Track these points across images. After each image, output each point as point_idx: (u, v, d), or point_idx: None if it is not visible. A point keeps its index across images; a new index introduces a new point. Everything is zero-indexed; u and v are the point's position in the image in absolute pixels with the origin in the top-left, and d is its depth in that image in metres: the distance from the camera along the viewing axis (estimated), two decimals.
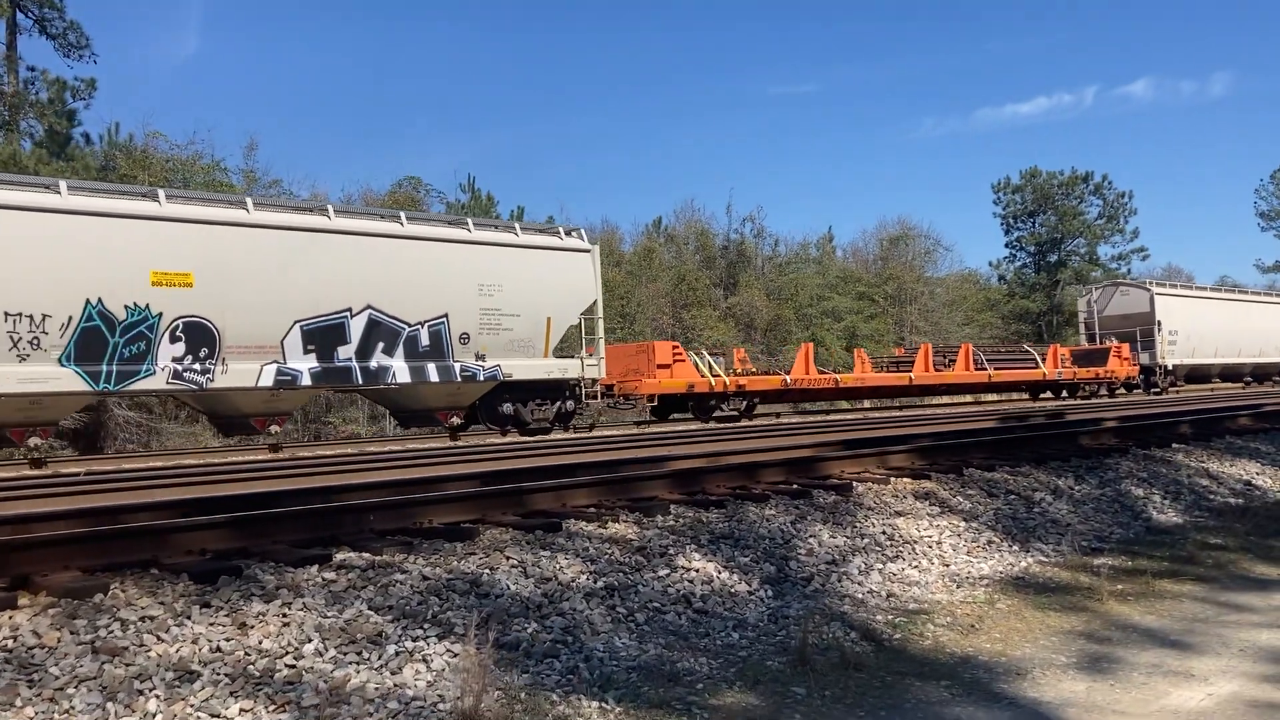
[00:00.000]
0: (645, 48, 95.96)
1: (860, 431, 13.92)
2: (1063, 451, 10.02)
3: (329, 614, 4.43)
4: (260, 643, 4.13)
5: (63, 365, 13.96)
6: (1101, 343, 34.61)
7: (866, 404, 32.01)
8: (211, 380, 15.21)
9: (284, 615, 4.35)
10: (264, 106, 72.74)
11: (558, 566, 5.31)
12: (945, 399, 32.58)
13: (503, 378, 18.35)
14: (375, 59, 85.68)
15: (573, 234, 20.08)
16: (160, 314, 14.76)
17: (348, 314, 16.57)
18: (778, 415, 25.24)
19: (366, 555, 5.16)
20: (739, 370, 23.88)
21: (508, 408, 18.70)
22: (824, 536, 6.53)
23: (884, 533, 6.83)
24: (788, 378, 24.07)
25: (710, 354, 23.49)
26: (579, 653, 4.56)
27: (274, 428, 16.36)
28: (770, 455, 8.98)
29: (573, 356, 19.62)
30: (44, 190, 14.26)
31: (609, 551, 5.66)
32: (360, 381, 16.84)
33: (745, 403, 23.42)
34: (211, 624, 4.21)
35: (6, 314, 13.57)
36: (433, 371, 17.51)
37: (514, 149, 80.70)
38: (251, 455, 15.07)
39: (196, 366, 15.09)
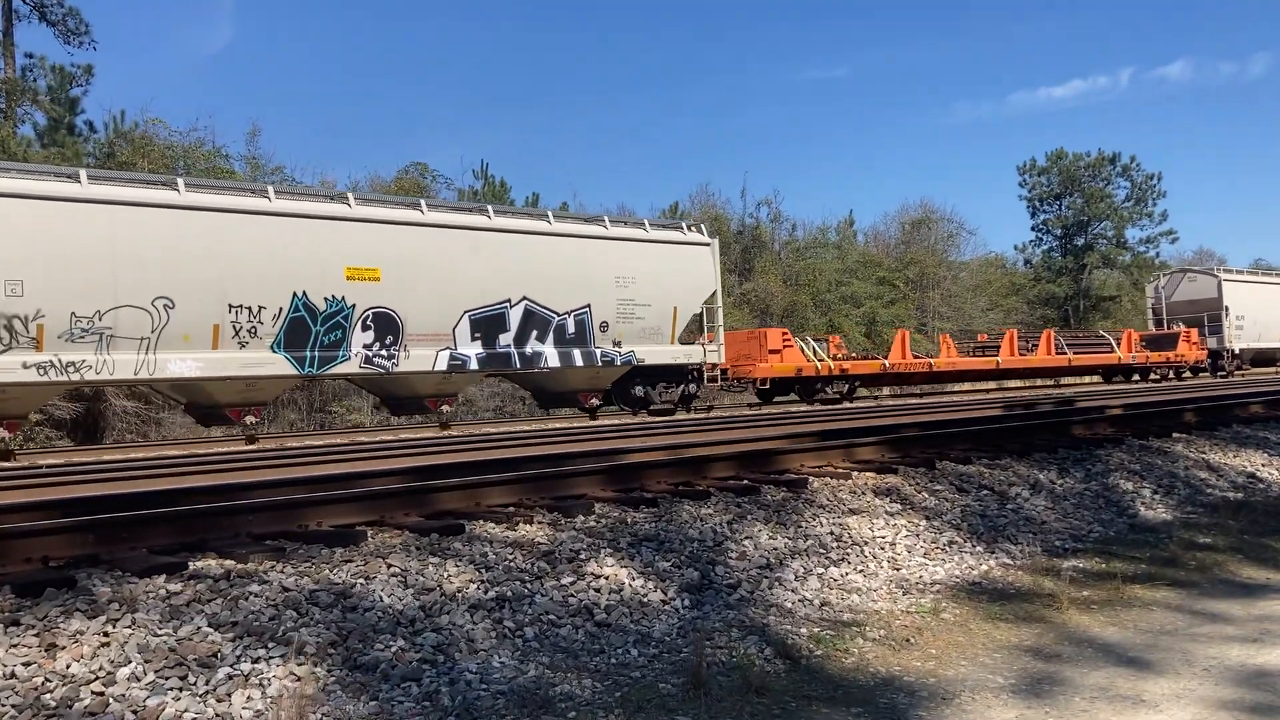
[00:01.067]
0: (670, 38, 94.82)
1: (952, 412, 13.37)
2: (1051, 442, 9.42)
3: (161, 632, 3.96)
4: (68, 667, 3.66)
5: (274, 351, 15.65)
6: (1169, 328, 35.93)
7: (959, 386, 32.62)
8: (396, 365, 16.86)
9: (105, 634, 3.88)
10: (283, 96, 72.62)
11: (445, 575, 4.82)
12: (1019, 382, 33.49)
13: (636, 362, 19.95)
14: (387, 52, 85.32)
15: (694, 229, 21.83)
16: (354, 305, 16.43)
17: (507, 304, 18.29)
18: (875, 398, 27.10)
19: (229, 563, 4.69)
20: (838, 355, 25.36)
21: (639, 390, 20.40)
22: (763, 538, 6.00)
23: (832, 533, 6.30)
24: (886, 362, 25.72)
25: (815, 340, 25.39)
26: (446, 675, 4.07)
27: (445, 407, 18.25)
28: (724, 448, 8.45)
29: (694, 343, 21.17)
30: (258, 195, 16.09)
31: (510, 557, 5.16)
32: (518, 366, 18.53)
33: (847, 386, 25.05)
34: (14, 646, 3.75)
35: (230, 305, 15.24)
36: (578, 357, 19.17)
37: (529, 138, 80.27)
38: (233, 446, 14.73)
39: (384, 352, 16.74)
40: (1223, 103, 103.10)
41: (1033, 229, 67.08)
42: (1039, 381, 33.45)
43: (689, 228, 21.74)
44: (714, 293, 21.35)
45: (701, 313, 21.26)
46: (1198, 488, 8.89)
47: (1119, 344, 32.24)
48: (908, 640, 4.91)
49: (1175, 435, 10.60)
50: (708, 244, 21.58)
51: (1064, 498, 7.92)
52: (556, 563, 5.19)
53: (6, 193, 13.58)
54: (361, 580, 4.63)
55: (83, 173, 14.65)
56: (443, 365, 17.41)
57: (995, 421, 10.63)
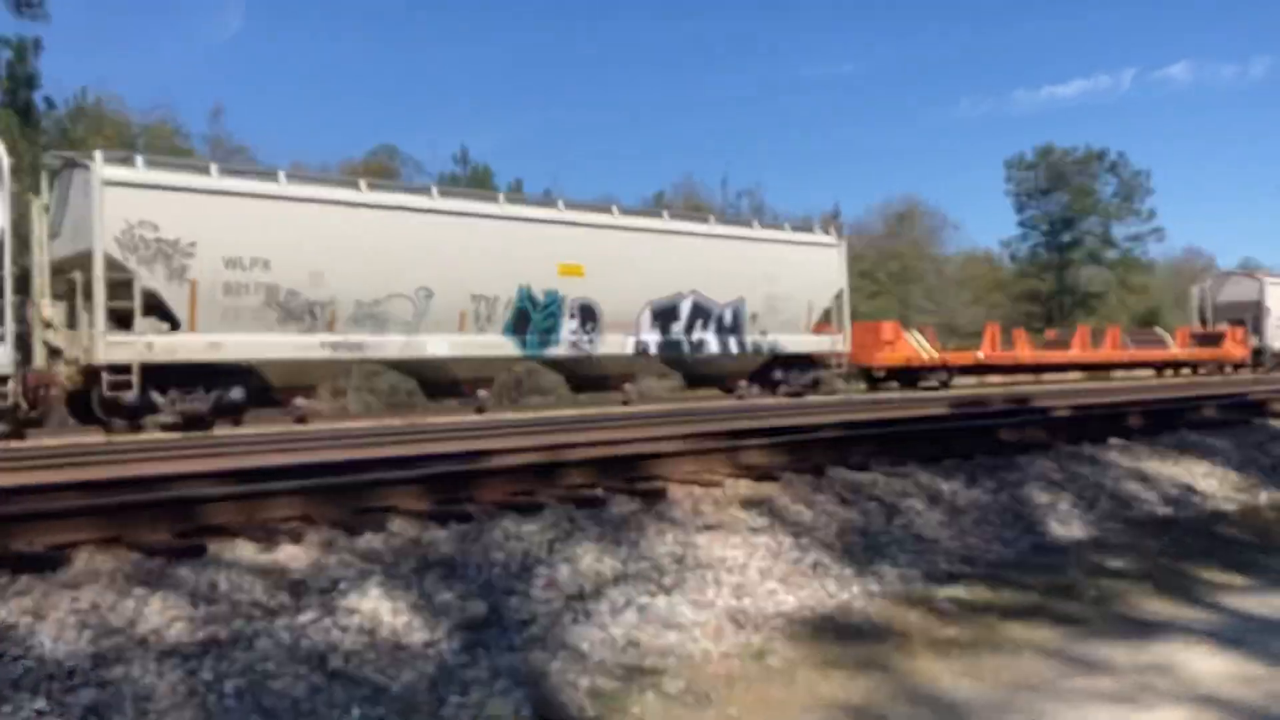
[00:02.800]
0: (668, 32, 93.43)
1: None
2: (969, 448, 8.59)
3: None
4: None
5: (504, 335, 18.40)
6: (1213, 327, 38.87)
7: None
8: (595, 348, 19.56)
9: None
10: (284, 81, 71.50)
11: (145, 612, 3.98)
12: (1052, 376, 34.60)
13: (778, 350, 22.59)
14: (370, 38, 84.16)
15: (828, 231, 24.81)
16: (564, 297, 19.07)
17: (680, 297, 20.90)
18: (973, 386, 29.04)
19: None
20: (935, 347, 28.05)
21: (779, 374, 22.82)
22: (585, 561, 5.17)
23: (674, 554, 5.47)
24: (980, 354, 28.92)
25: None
26: None
27: (628, 386, 20.67)
28: (598, 450, 7.61)
29: (823, 334, 23.71)
30: (491, 201, 19.03)
31: (247, 588, 4.33)
32: (687, 351, 21.21)
33: (946, 374, 27.61)
34: None
35: (473, 295, 17.87)
36: (733, 344, 21.86)
37: (514, 126, 79.17)
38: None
39: (586, 338, 19.45)
40: (1221, 104, 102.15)
41: (1019, 224, 66.24)
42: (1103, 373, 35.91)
43: (824, 230, 24.73)
44: (841, 289, 24.01)
45: (831, 307, 23.83)
46: (1124, 501, 8.07)
47: (1173, 341, 36.01)
48: (708, 696, 4.09)
49: (1113, 441, 9.77)
50: (836, 245, 24.22)
51: (965, 511, 7.10)
52: (304, 594, 4.36)
53: (312, 198, 16.29)
54: (28, 619, 3.79)
55: (362, 182, 17.50)
56: (630, 350, 20.10)
57: (910, 424, 9.79)
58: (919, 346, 26.86)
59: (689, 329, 21.02)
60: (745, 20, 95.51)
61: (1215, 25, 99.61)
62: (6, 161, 13.69)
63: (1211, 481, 9.09)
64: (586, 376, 20.65)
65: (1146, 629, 5.15)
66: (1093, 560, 6.47)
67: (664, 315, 20.60)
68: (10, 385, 13.27)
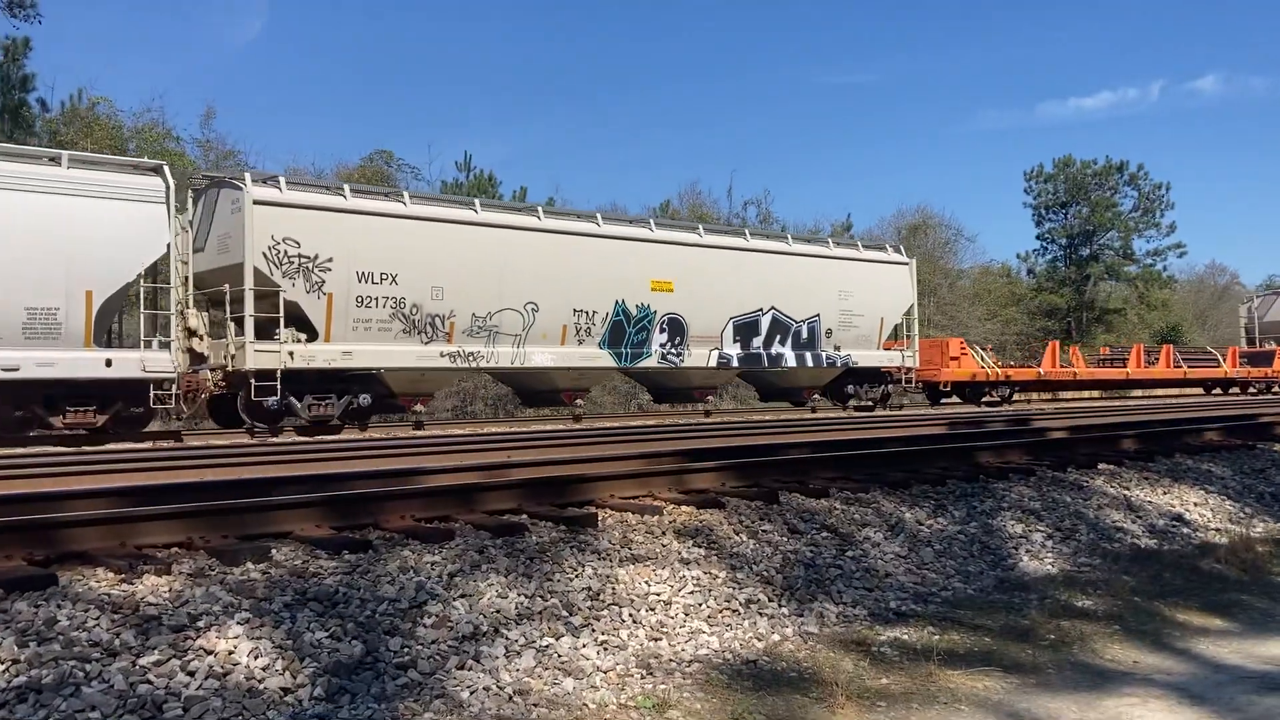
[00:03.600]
0: (687, 37, 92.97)
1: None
2: (943, 472, 8.12)
3: None
4: None
5: (601, 348, 19.35)
6: (1261, 345, 39.88)
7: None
8: (682, 360, 20.51)
9: None
10: (298, 86, 71.63)
11: None
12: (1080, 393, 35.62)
13: (851, 364, 23.38)
14: (383, 46, 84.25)
15: (898, 250, 25.53)
16: (655, 311, 20.07)
17: (759, 313, 21.77)
18: (1029, 401, 30.79)
19: None
20: (995, 363, 29.04)
21: (850, 388, 23.93)
22: (488, 595, 4.74)
23: (590, 589, 5.03)
24: (1041, 370, 29.72)
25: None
26: None
27: (710, 397, 22.14)
28: (539, 470, 7.18)
29: (893, 349, 24.54)
30: (590, 220, 19.76)
31: (90, 624, 3.92)
32: (766, 365, 22.02)
33: (1009, 390, 28.64)
34: None
35: (574, 310, 18.87)
36: (809, 358, 22.68)
37: (521, 137, 78.91)
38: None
39: (674, 350, 20.39)
40: (1251, 117, 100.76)
41: (1037, 238, 65.35)
42: (1158, 390, 37.63)
43: (894, 249, 25.34)
44: (911, 305, 24.79)
45: (901, 323, 24.67)
46: (1105, 532, 7.58)
47: (1224, 359, 36.25)
48: None
49: (1102, 466, 9.27)
50: (906, 263, 24.97)
51: (928, 542, 6.63)
52: (155, 632, 3.95)
53: (433, 217, 17.37)
54: None
55: (477, 201, 18.52)
56: (713, 362, 21.00)
57: (878, 445, 9.30)
58: (983, 362, 28.02)
59: (768, 343, 21.98)
60: (762, 29, 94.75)
61: (1247, 37, 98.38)
62: (172, 183, 14.50)
63: (1204, 511, 8.58)
64: (672, 388, 22.00)
65: (1102, 680, 4.68)
66: (1059, 599, 5.99)
67: (745, 330, 21.55)
68: (174, 388, 14.48)
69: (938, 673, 4.62)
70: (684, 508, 6.37)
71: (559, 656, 4.46)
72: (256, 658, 3.95)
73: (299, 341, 15.77)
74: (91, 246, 13.61)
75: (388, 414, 18.33)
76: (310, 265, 15.78)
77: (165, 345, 14.40)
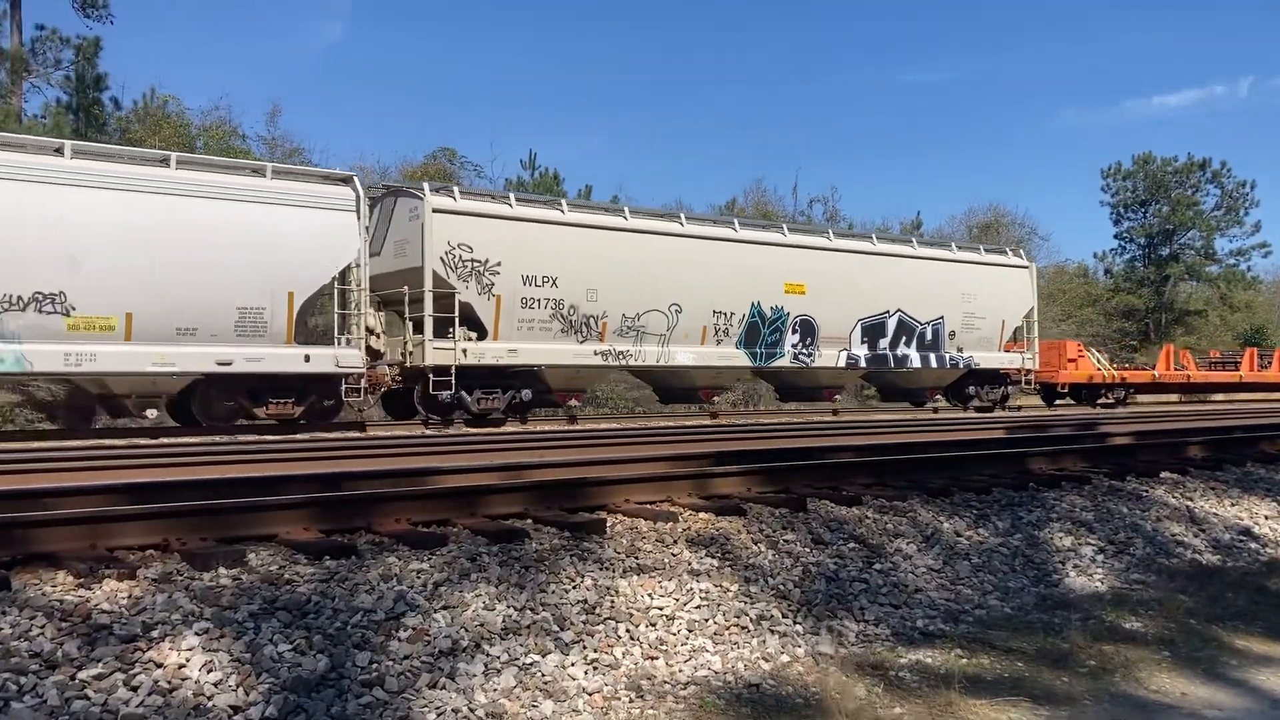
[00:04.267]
0: (757, 36, 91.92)
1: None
2: (990, 480, 7.65)
3: None
4: None
5: (737, 348, 20.35)
6: None
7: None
8: (812, 360, 21.42)
9: None
10: (380, 86, 72.42)
11: None
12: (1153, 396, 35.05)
13: (973, 366, 24.03)
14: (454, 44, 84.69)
15: (1018, 254, 26.06)
16: (788, 313, 20.92)
17: (886, 315, 22.51)
18: (1141, 404, 30.55)
19: None
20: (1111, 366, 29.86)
21: (971, 389, 24.52)
22: (473, 607, 4.44)
23: (586, 601, 4.70)
24: (1155, 373, 30.65)
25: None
26: None
27: (838, 397, 23.22)
28: (545, 474, 6.85)
29: (1013, 351, 25.02)
30: (728, 225, 20.97)
31: (34, 634, 3.69)
32: (892, 366, 22.81)
33: (1123, 392, 29.43)
34: None
35: (714, 311, 19.92)
36: (933, 360, 23.37)
37: (585, 136, 78.76)
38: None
39: (805, 351, 21.26)
40: None
41: (1115, 237, 63.58)
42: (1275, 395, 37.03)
43: (1014, 252, 25.99)
44: (1031, 308, 25.34)
45: (1021, 325, 25.14)
46: (1162, 546, 7.05)
47: None
48: None
49: (1164, 475, 8.70)
50: (1026, 266, 25.48)
51: (965, 555, 6.18)
52: (103, 642, 3.71)
53: (589, 224, 18.54)
54: None
55: (626, 208, 19.47)
56: (842, 363, 21.81)
57: (921, 450, 8.83)
58: (1099, 365, 28.75)
59: (894, 344, 22.68)
60: (840, 27, 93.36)
61: None
62: (362, 193, 15.93)
63: (1276, 525, 7.98)
64: (800, 387, 22.81)
65: (1144, 714, 4.23)
66: (1105, 619, 5.52)
67: (872, 331, 22.28)
68: (363, 382, 15.77)
69: (958, 702, 4.21)
70: (702, 514, 6.02)
71: (542, 676, 4.13)
72: (209, 672, 3.68)
73: (470, 340, 17.03)
74: (293, 251, 14.95)
75: (546, 408, 19.52)
76: (481, 269, 17.08)
77: (353, 343, 15.67)
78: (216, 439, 12.94)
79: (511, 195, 18.41)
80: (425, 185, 17.07)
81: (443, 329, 16.75)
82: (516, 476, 6.71)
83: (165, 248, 14.03)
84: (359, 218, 15.67)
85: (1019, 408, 25.89)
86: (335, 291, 15.72)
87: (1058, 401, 28.43)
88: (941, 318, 23.39)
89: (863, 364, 22.15)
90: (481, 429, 16.15)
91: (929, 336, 23.23)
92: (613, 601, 4.77)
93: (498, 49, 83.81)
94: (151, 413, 15.06)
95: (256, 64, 64.63)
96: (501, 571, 4.79)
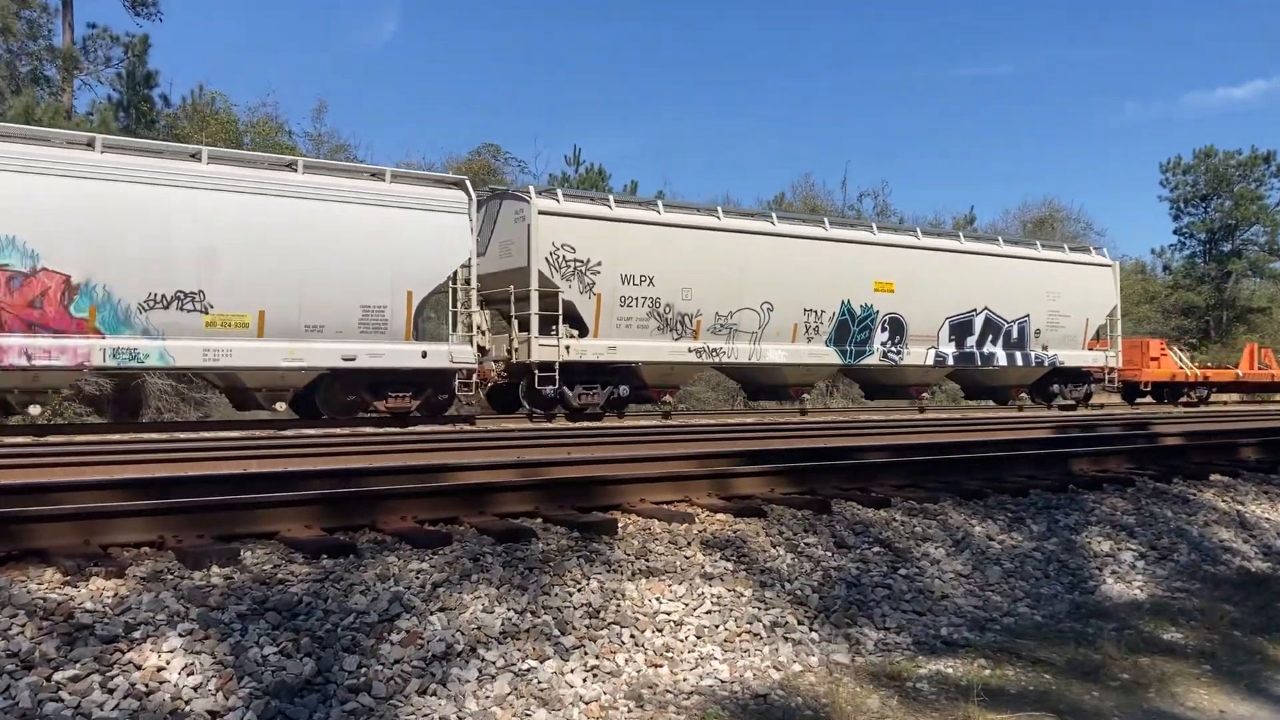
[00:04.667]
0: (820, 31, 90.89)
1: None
2: (1027, 481, 7.37)
3: None
4: None
5: (827, 345, 20.74)
6: None
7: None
8: (900, 359, 21.66)
9: None
10: (433, 85, 72.92)
11: None
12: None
13: (1057, 364, 24.25)
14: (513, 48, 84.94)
15: (1101, 252, 26.46)
16: (877, 311, 21.23)
17: (973, 313, 22.74)
18: (1224, 403, 31.11)
19: None
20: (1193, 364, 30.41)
21: (1055, 388, 24.80)
22: (470, 610, 4.29)
23: (591, 605, 4.54)
24: (1239, 371, 31.03)
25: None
26: None
27: (925, 395, 23.53)
28: (562, 472, 6.69)
29: (1097, 349, 25.35)
30: (818, 225, 21.42)
31: (10, 632, 3.60)
32: (979, 364, 23.07)
33: (1206, 391, 29.71)
34: None
35: (805, 309, 20.30)
36: (1019, 358, 23.58)
37: (631, 132, 78.54)
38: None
39: (894, 349, 21.56)
40: None
41: (1175, 233, 62.27)
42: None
43: (1097, 250, 26.32)
44: (1115, 306, 25.63)
45: (1105, 323, 25.42)
46: (1209, 553, 6.74)
47: None
48: None
49: (1214, 477, 8.35)
50: (1110, 265, 25.79)
51: (996, 560, 5.93)
52: (82, 642, 3.60)
53: (683, 224, 19.08)
54: None
55: (719, 208, 19.91)
56: (930, 361, 22.11)
57: (956, 450, 8.54)
58: (1182, 363, 29.20)
59: (980, 343, 22.96)
60: (898, 19, 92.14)
61: None
62: (473, 196, 16.66)
63: None
64: (888, 385, 23.13)
65: None
66: (1142, 629, 5.25)
67: (960, 329, 22.60)
68: (474, 377, 16.59)
69: (977, 716, 3.99)
70: (719, 516, 5.82)
71: (539, 683, 3.97)
72: (189, 675, 3.57)
73: (572, 337, 17.67)
74: (411, 252, 15.71)
75: (640, 404, 19.92)
76: (583, 268, 17.71)
77: (465, 339, 16.55)
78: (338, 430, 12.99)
79: (610, 196, 19.04)
80: (531, 188, 17.69)
81: (546, 326, 17.42)
82: (533, 474, 6.56)
83: (294, 248, 14.71)
84: (470, 220, 16.37)
85: (1101, 406, 25.99)
86: (449, 290, 16.48)
87: (1138, 400, 28.75)
88: (1027, 316, 23.60)
89: (950, 362, 22.41)
90: (578, 423, 16.68)
91: (1015, 335, 23.44)
92: (619, 605, 4.60)
93: (541, 47, 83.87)
94: (280, 405, 15.64)
95: (303, 62, 65.25)
96: (504, 573, 4.64)
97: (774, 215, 20.68)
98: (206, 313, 14.19)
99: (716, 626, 4.64)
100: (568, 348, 17.45)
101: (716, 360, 19.43)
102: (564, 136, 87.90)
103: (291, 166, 15.26)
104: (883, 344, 21.32)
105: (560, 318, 17.40)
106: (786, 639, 4.67)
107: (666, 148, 77.28)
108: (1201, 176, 60.16)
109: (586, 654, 4.22)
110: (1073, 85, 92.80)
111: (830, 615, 4.96)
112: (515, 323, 17.45)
